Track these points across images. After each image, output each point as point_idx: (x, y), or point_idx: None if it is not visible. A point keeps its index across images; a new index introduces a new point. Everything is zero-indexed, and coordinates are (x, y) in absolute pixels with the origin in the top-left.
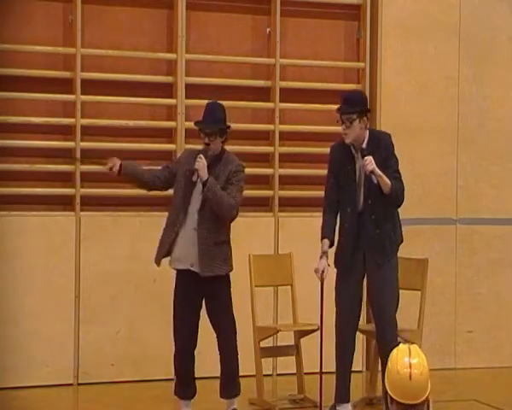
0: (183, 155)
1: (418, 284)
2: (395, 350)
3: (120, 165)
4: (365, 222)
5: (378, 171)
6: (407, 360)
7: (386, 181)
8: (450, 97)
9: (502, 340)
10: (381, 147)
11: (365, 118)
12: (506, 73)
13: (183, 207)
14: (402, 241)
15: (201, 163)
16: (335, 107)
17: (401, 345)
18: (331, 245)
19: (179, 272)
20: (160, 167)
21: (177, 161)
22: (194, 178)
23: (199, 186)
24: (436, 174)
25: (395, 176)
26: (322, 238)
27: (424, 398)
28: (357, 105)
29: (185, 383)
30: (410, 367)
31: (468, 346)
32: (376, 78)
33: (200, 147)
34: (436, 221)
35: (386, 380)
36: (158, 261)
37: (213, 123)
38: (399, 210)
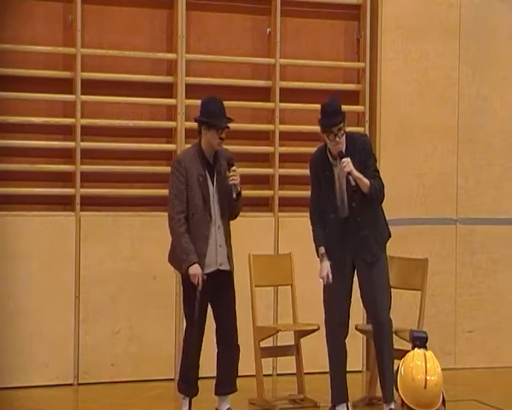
0: (183, 160)
1: (418, 284)
2: (410, 354)
3: (202, 276)
4: (351, 225)
5: (356, 172)
6: (423, 366)
7: (364, 181)
8: (450, 97)
9: (502, 340)
10: (359, 148)
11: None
12: (506, 73)
13: (206, 213)
14: (390, 236)
15: (238, 176)
16: None
17: (416, 350)
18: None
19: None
20: (182, 209)
21: (183, 171)
22: (235, 195)
23: (211, 187)
24: (436, 174)
25: (374, 175)
26: (318, 247)
27: (438, 406)
28: (340, 113)
29: (191, 380)
30: (426, 374)
31: (468, 346)
32: (376, 78)
33: (188, 145)
34: (436, 221)
35: (399, 383)
36: (203, 273)
37: (227, 118)
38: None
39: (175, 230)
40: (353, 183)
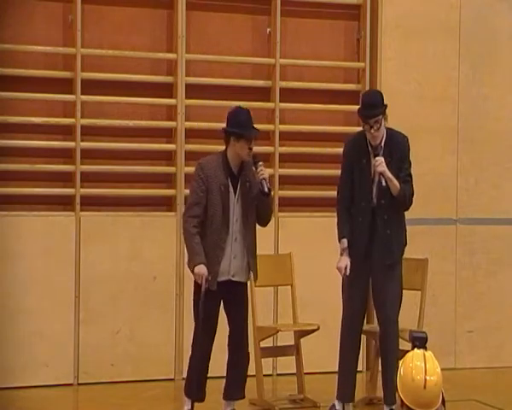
0: (206, 168)
1: (418, 284)
2: (410, 355)
3: (207, 277)
4: (377, 221)
5: (388, 173)
6: (422, 367)
7: (395, 183)
8: (451, 97)
9: (502, 340)
10: (398, 148)
11: (386, 115)
12: (506, 73)
13: (224, 223)
14: (406, 244)
15: (266, 172)
16: (335, 107)
17: (416, 350)
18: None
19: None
20: (197, 214)
21: (205, 179)
22: (266, 189)
23: (233, 198)
24: (436, 174)
25: (406, 179)
26: (341, 237)
27: (437, 406)
28: (381, 105)
29: (197, 384)
30: (425, 374)
31: (468, 346)
32: (376, 78)
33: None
34: (436, 221)
35: (398, 384)
36: (214, 285)
37: (255, 129)
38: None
39: (187, 230)
40: (384, 183)
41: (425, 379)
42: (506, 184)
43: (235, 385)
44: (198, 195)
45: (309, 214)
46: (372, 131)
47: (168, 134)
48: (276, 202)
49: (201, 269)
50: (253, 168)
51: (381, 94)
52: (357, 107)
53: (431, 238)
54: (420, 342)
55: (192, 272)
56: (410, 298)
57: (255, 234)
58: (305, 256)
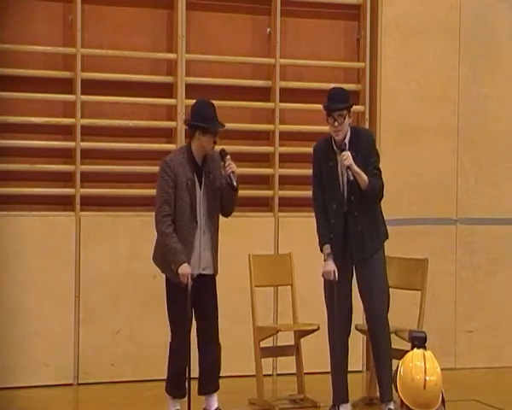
0: (173, 164)
1: (418, 284)
2: (409, 355)
3: (191, 275)
4: (349, 219)
5: (355, 167)
6: (422, 367)
7: (363, 177)
8: (451, 97)
9: (502, 340)
10: (363, 144)
11: (351, 113)
12: (506, 73)
13: (192, 218)
14: (387, 237)
15: (235, 164)
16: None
17: (415, 350)
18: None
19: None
20: (169, 213)
21: (173, 176)
22: (235, 183)
23: (199, 192)
24: (436, 174)
25: (374, 173)
26: (323, 244)
27: (437, 406)
28: (346, 101)
29: (182, 382)
30: (425, 374)
31: (468, 346)
32: (376, 78)
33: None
34: (436, 221)
35: (398, 384)
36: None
37: (219, 122)
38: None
39: (162, 231)
40: (351, 177)
41: (425, 379)
42: (506, 184)
43: (211, 378)
44: (167, 192)
45: (309, 214)
46: (336, 124)
47: (168, 134)
48: (276, 202)
49: (186, 269)
50: (221, 163)
51: (348, 92)
52: (357, 107)
53: (431, 238)
54: (419, 341)
55: (162, 271)
56: (410, 298)
57: (218, 227)
58: (305, 256)
